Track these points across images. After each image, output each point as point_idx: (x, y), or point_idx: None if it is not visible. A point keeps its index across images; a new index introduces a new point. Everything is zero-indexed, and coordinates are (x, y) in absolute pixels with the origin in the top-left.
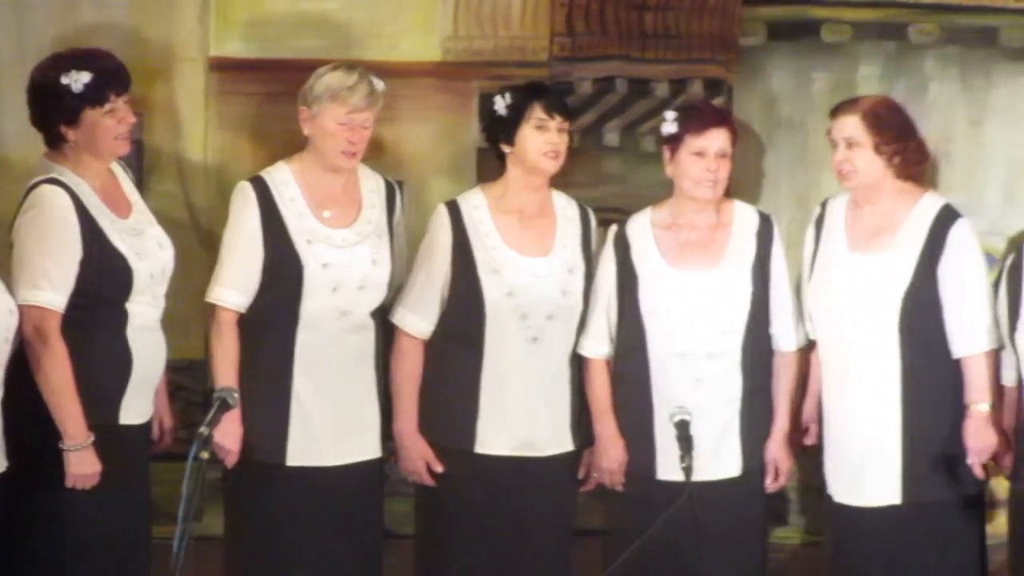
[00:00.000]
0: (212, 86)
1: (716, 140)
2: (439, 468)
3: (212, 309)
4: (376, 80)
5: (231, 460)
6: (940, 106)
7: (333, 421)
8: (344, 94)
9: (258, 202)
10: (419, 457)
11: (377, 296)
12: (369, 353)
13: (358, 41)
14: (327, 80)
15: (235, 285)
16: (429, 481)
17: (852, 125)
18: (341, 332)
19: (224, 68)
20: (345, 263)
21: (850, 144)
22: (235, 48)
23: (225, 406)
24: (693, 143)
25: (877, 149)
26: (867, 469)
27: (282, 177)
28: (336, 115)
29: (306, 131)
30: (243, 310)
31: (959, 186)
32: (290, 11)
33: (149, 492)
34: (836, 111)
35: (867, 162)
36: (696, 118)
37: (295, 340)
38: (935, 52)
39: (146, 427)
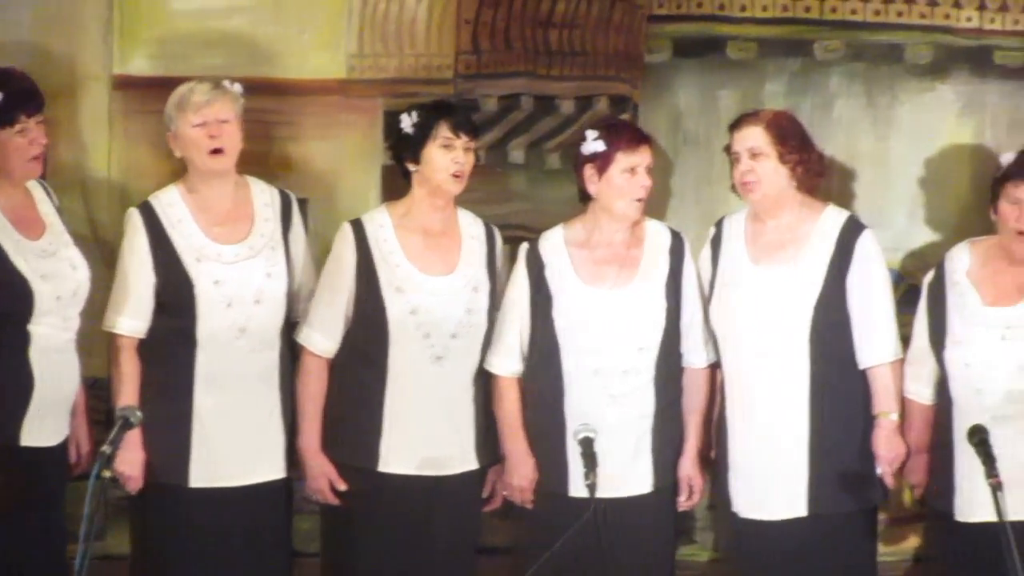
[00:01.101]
0: (116, 104)
1: (646, 156)
2: (342, 487)
3: (111, 336)
4: (225, 81)
5: (133, 487)
6: (845, 123)
7: (236, 441)
8: (187, 97)
9: (145, 227)
10: (322, 475)
11: (276, 310)
12: (273, 372)
13: (263, 58)
14: (173, 96)
15: (129, 312)
16: (333, 500)
17: (755, 136)
18: (242, 351)
19: (128, 86)
20: (237, 278)
21: (754, 154)
22: (139, 66)
23: (127, 425)
24: (625, 160)
25: (781, 159)
26: (774, 482)
27: (169, 199)
28: (188, 120)
29: (177, 153)
30: (141, 335)
31: (864, 202)
32: (194, 29)
33: (60, 513)
34: (737, 124)
35: (771, 172)
36: (625, 136)
37: (195, 360)
38: (840, 69)
39: (58, 449)
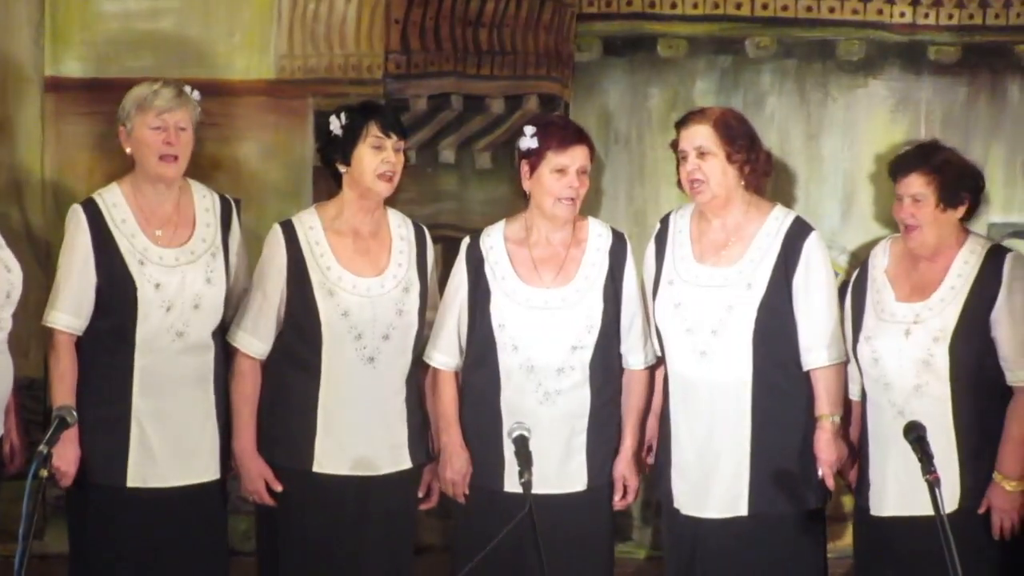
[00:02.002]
0: (49, 105)
1: (578, 157)
2: (278, 487)
3: (49, 332)
4: (186, 87)
5: (66, 482)
6: (778, 120)
7: (172, 443)
8: (149, 99)
9: (89, 225)
10: (258, 477)
11: (213, 316)
12: (208, 375)
13: (192, 59)
14: (133, 94)
15: (69, 308)
16: (268, 501)
17: (703, 135)
18: (178, 353)
19: (60, 88)
20: (178, 283)
21: (701, 154)
22: (71, 68)
23: (64, 424)
24: (554, 159)
25: (729, 158)
26: (715, 481)
27: (113, 199)
28: (147, 122)
29: (128, 150)
30: (79, 332)
31: (798, 200)
32: (124, 30)
33: None
34: (684, 121)
35: (719, 172)
36: (557, 135)
37: (133, 361)
38: (772, 66)
39: None
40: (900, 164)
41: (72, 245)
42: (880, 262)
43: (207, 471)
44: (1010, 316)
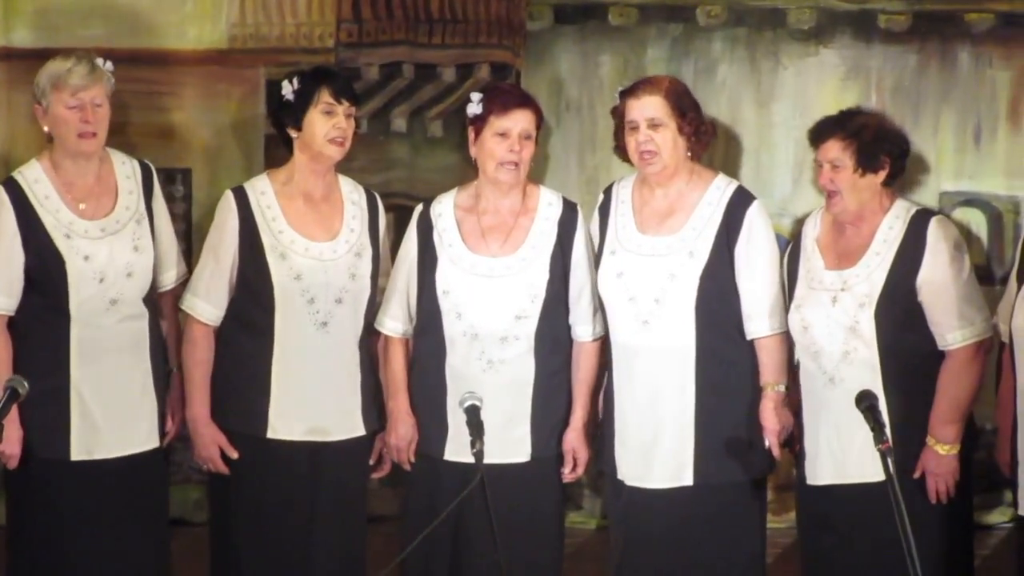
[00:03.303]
0: (0, 75)
1: (520, 121)
2: (234, 454)
3: None
4: (99, 59)
5: (13, 464)
6: (728, 88)
7: (112, 412)
8: (64, 77)
9: (12, 204)
10: (212, 443)
11: (144, 282)
12: (144, 341)
13: (144, 29)
14: (47, 70)
15: None
16: (223, 468)
17: (655, 105)
18: (113, 323)
19: (11, 57)
20: (107, 253)
21: (653, 125)
22: (22, 37)
23: (15, 395)
24: (497, 123)
25: (680, 130)
26: (658, 451)
27: (34, 175)
28: (63, 100)
29: (45, 127)
30: (10, 312)
31: (748, 167)
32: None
33: None
34: (633, 91)
35: (670, 143)
36: (500, 99)
37: (69, 334)
38: (723, 34)
39: None
40: (818, 131)
41: None
42: (811, 231)
43: (148, 440)
44: (936, 281)
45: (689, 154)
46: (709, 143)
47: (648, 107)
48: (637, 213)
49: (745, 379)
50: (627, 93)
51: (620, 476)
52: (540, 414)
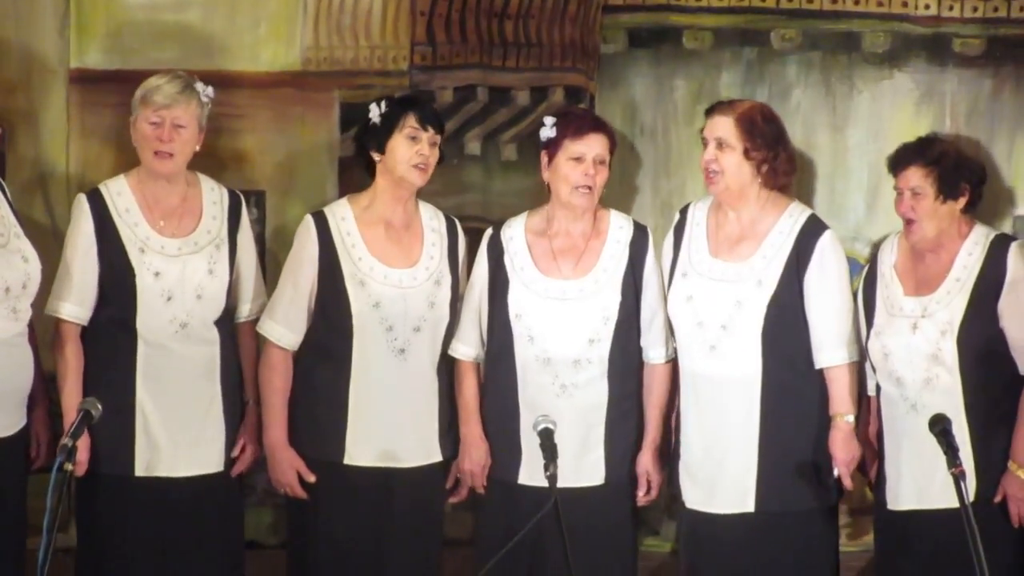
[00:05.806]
0: (73, 97)
1: (594, 145)
2: (311, 478)
3: (55, 322)
4: (197, 82)
5: (80, 470)
6: (803, 112)
7: (176, 433)
8: (151, 93)
9: (92, 214)
10: (290, 468)
11: (215, 307)
12: (214, 366)
13: (218, 51)
14: (142, 85)
15: (73, 297)
16: (300, 493)
17: (725, 126)
18: (183, 346)
19: (85, 80)
20: (178, 272)
21: (720, 145)
22: (95, 59)
23: (89, 417)
24: (571, 148)
25: (746, 154)
26: (722, 477)
27: (118, 188)
28: (147, 116)
29: (134, 141)
30: (83, 322)
31: (822, 192)
32: (149, 21)
33: (21, 505)
34: (712, 110)
35: (735, 166)
36: (574, 124)
37: (136, 350)
38: (797, 58)
39: (12, 441)
40: (898, 158)
41: (75, 234)
42: (888, 257)
43: (212, 463)
44: (1016, 305)
45: (759, 180)
46: (787, 175)
47: (719, 127)
48: (711, 236)
49: (811, 408)
50: (708, 111)
51: (685, 499)
52: (613, 437)
